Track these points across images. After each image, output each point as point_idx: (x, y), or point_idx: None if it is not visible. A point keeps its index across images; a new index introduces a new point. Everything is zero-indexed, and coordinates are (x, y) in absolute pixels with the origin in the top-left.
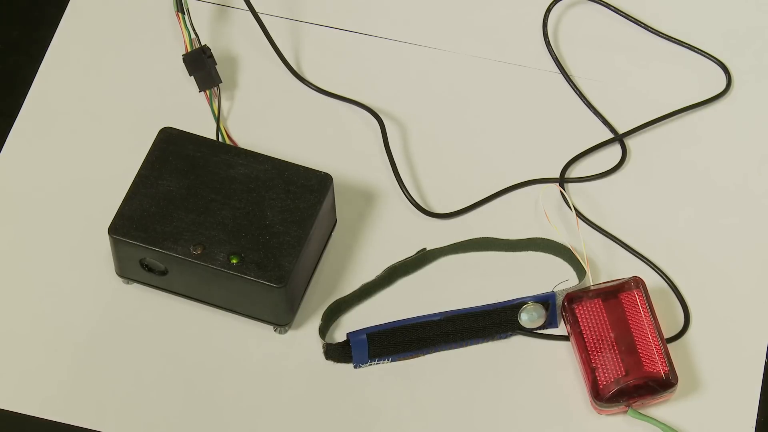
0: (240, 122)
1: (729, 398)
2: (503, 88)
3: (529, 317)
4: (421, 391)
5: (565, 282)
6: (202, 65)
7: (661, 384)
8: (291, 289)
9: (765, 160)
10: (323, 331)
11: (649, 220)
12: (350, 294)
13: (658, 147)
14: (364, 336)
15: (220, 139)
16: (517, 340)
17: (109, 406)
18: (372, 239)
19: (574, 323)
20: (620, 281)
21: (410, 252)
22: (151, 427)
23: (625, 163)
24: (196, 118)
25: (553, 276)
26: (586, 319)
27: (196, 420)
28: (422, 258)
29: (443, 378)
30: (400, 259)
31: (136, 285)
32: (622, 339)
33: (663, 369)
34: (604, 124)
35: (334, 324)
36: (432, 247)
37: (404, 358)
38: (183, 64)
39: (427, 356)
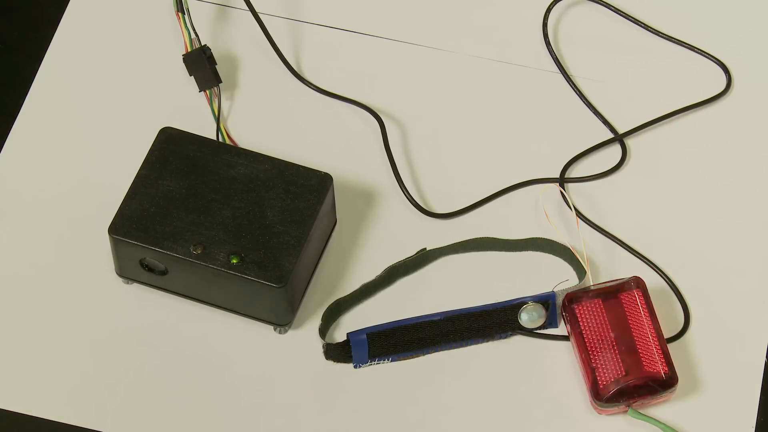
0: (240, 122)
1: (729, 398)
2: (503, 88)
3: (529, 317)
4: (421, 391)
5: (565, 282)
6: (202, 65)
7: (661, 384)
8: (291, 289)
9: (765, 160)
10: (323, 331)
11: (649, 220)
12: (350, 294)
13: (658, 147)
14: (364, 336)
15: (220, 139)
16: (517, 340)
17: (109, 406)
18: (372, 239)
19: (574, 323)
20: (620, 281)
21: (410, 252)
22: (151, 427)
23: (625, 163)
24: (196, 118)
25: (553, 276)
26: (586, 319)
27: (196, 420)
28: (422, 258)
29: (443, 378)
30: (400, 259)
31: (136, 285)
32: (622, 339)
33: (663, 369)
34: (604, 124)
35: (334, 324)
36: (432, 247)
37: (404, 358)
38: (183, 64)
39: (427, 356)
